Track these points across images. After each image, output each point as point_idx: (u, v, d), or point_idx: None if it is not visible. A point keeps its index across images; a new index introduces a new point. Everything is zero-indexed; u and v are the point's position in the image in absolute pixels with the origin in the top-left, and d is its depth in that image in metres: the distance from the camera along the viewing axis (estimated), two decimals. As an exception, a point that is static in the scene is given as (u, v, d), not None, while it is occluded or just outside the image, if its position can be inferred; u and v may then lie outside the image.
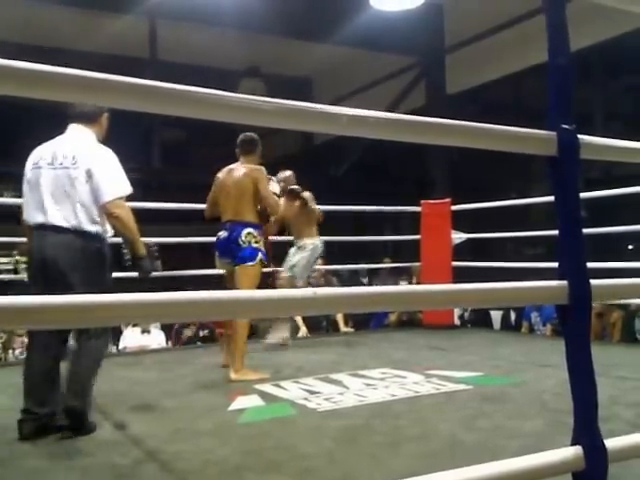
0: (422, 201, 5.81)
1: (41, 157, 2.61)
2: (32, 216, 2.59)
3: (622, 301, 5.05)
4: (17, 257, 10.56)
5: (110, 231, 2.67)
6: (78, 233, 2.53)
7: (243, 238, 3.72)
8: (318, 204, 5.95)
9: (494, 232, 6.18)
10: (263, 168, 3.93)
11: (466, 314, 7.23)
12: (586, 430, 1.25)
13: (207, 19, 8.08)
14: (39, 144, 2.69)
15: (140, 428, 2.62)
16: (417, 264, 6.11)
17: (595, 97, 7.32)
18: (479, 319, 7.02)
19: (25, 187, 2.65)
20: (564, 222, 1.35)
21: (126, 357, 4.97)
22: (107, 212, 2.57)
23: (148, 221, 9.17)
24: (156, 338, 5.93)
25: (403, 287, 1.66)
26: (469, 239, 6.03)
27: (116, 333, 5.97)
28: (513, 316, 6.99)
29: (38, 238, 2.56)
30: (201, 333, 6.55)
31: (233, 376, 3.60)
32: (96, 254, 2.58)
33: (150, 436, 2.50)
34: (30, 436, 2.43)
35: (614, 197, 5.09)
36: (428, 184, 8.45)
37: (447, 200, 5.80)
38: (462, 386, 3.27)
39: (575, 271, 1.31)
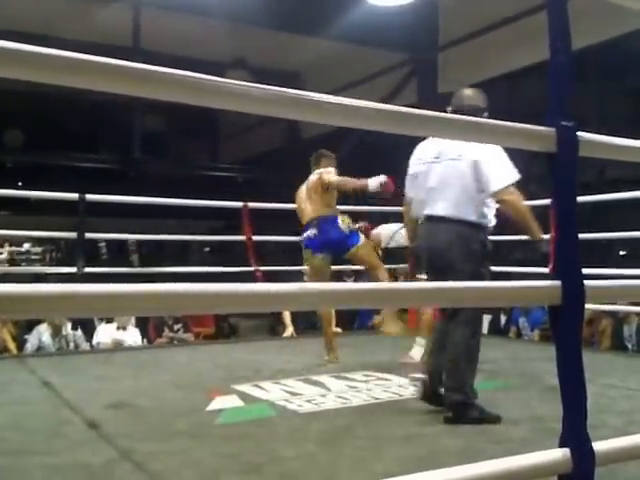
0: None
1: (426, 153, 2.82)
2: (418, 209, 2.83)
3: (611, 308, 5.10)
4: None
5: (493, 221, 2.80)
6: (464, 223, 2.68)
7: (341, 225, 4.09)
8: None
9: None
10: (332, 168, 4.21)
11: None
12: (574, 432, 1.25)
13: (193, 8, 8.03)
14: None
15: (114, 427, 2.59)
16: (404, 265, 6.11)
17: (590, 98, 7.39)
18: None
19: (409, 182, 2.90)
20: (561, 220, 1.36)
21: (100, 354, 4.93)
22: (498, 200, 2.70)
23: (122, 215, 9.07)
24: (131, 335, 5.87)
25: (394, 284, 1.66)
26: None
27: (89, 329, 5.92)
28: (503, 320, 7.03)
29: (426, 229, 2.78)
30: (176, 327, 6.48)
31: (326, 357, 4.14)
32: (479, 244, 2.73)
33: (124, 435, 2.47)
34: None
35: (606, 202, 5.14)
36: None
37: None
38: (447, 390, 3.27)
39: (569, 271, 1.32)
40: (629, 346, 5.70)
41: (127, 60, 1.02)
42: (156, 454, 2.25)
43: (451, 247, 2.67)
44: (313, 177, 4.23)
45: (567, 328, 1.29)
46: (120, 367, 4.08)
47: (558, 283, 1.29)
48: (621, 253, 9.38)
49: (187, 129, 12.57)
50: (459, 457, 2.17)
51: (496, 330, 6.92)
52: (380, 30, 8.15)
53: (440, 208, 2.72)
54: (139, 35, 9.05)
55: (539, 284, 1.34)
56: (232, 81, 1.09)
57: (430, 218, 2.77)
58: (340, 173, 4.23)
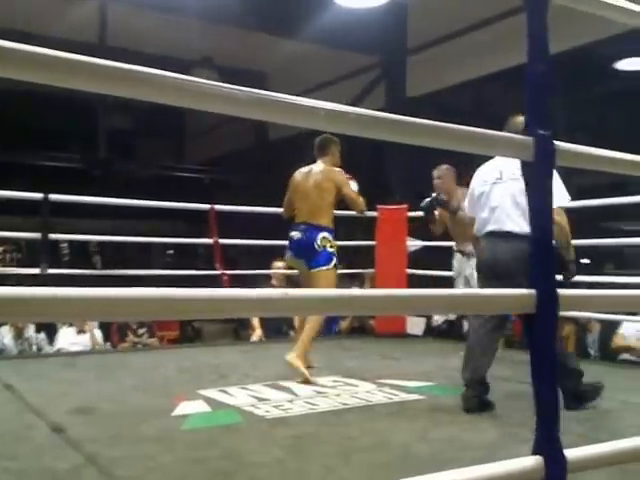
0: (378, 206, 5.85)
1: (488, 174, 3.12)
2: (480, 226, 3.12)
3: (573, 314, 5.20)
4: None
5: None
6: (526, 238, 2.78)
7: (319, 242, 3.85)
8: (271, 205, 5.92)
9: (451, 241, 6.27)
10: (341, 169, 4.04)
11: (438, 320, 7.21)
12: (547, 440, 1.28)
13: (161, 5, 7.96)
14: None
15: (78, 431, 2.56)
16: (371, 270, 6.15)
17: (560, 106, 7.54)
18: (451, 329, 7.03)
19: (471, 202, 3.21)
20: (535, 228, 1.38)
21: (62, 357, 4.84)
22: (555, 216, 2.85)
23: (86, 215, 8.91)
24: (98, 340, 5.79)
25: (373, 290, 1.67)
26: (425, 247, 6.10)
27: (52, 332, 5.82)
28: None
29: (490, 243, 3.05)
30: (140, 331, 6.41)
31: (289, 357, 3.66)
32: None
33: (89, 440, 2.44)
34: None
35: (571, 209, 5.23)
36: (385, 189, 8.52)
37: (404, 206, 5.86)
38: (415, 396, 3.31)
39: (543, 279, 1.34)
40: (591, 352, 5.82)
41: (93, 57, 1.01)
42: (122, 459, 2.24)
43: (516, 260, 2.87)
44: (326, 180, 3.94)
45: (541, 336, 1.31)
46: (84, 371, 4.01)
47: (533, 291, 1.32)
48: (584, 262, 9.57)
49: (154, 128, 12.43)
50: (428, 464, 2.19)
51: (461, 336, 6.96)
52: (349, 32, 8.19)
53: (505, 224, 3.01)
54: (106, 31, 8.93)
55: (514, 292, 1.37)
56: (200, 80, 1.09)
57: (494, 234, 3.05)
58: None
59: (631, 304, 1.84)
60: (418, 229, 6.00)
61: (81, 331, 5.72)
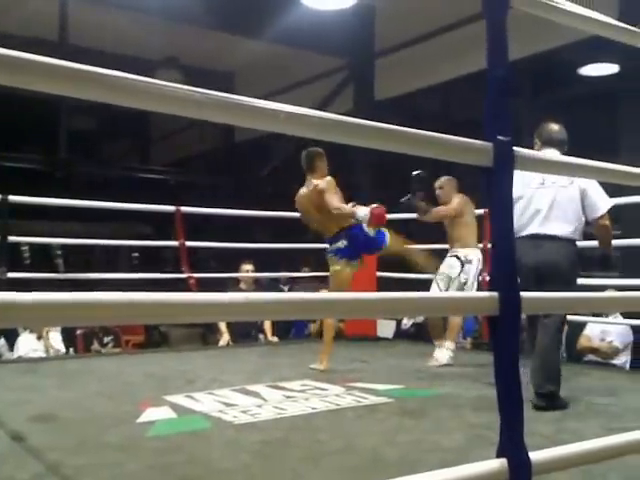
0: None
1: (532, 179, 3.22)
2: (520, 228, 3.18)
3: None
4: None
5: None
6: (568, 241, 3.18)
7: (367, 230, 4.24)
8: (238, 206, 5.93)
9: (420, 243, 6.33)
10: (329, 179, 4.21)
11: (407, 323, 7.26)
12: (512, 443, 1.30)
13: (124, 3, 7.89)
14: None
15: (40, 440, 2.52)
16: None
17: (523, 111, 7.66)
18: (419, 332, 7.09)
19: (518, 203, 3.21)
20: (497, 232, 1.41)
21: (23, 364, 4.76)
22: (599, 223, 3.23)
23: (47, 218, 8.77)
24: (54, 344, 5.69)
25: (341, 294, 1.69)
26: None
27: (12, 337, 5.71)
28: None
29: (530, 247, 3.14)
30: (105, 340, 6.35)
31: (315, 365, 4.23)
32: (576, 258, 3.25)
33: (51, 448, 2.41)
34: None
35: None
36: (353, 190, 8.56)
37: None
38: (383, 399, 3.34)
39: (506, 282, 1.37)
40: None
41: (53, 55, 1.00)
42: (86, 468, 2.21)
43: (564, 262, 3.15)
44: (315, 189, 4.20)
45: (505, 338, 1.34)
46: (46, 377, 3.95)
47: (495, 294, 1.35)
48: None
49: (117, 129, 12.30)
50: (397, 467, 2.22)
51: (429, 338, 7.03)
52: (317, 34, 8.22)
53: (552, 228, 3.17)
54: (66, 28, 8.81)
55: (478, 295, 1.40)
56: (159, 82, 1.08)
57: (537, 237, 3.18)
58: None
59: (594, 306, 1.89)
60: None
61: (41, 337, 5.63)
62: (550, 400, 3.07)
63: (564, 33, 6.01)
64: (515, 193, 3.25)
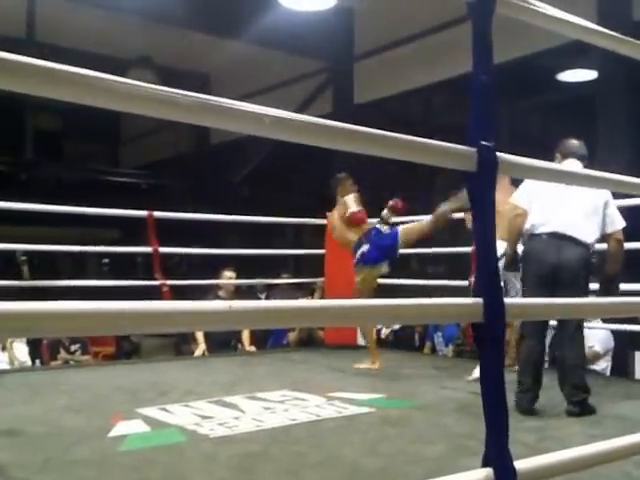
0: (327, 213, 5.89)
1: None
2: (542, 223, 3.33)
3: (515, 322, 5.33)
4: None
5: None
6: (588, 247, 3.30)
7: (384, 230, 4.65)
8: (214, 211, 5.90)
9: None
10: (351, 196, 4.78)
11: (385, 332, 7.29)
12: (497, 452, 1.32)
13: (95, 0, 7.86)
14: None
15: (4, 456, 2.49)
16: (321, 279, 6.18)
17: (503, 115, 7.75)
18: (402, 341, 7.13)
19: (528, 195, 3.37)
20: (480, 238, 1.43)
21: (-14, 376, 4.68)
22: (615, 237, 3.37)
23: (11, 222, 8.65)
24: (18, 356, 5.62)
25: (322, 301, 1.69)
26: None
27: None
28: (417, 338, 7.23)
29: (553, 244, 3.29)
30: (73, 348, 6.27)
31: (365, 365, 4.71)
32: (592, 266, 3.39)
33: (17, 466, 2.39)
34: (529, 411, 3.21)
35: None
36: (333, 196, 8.59)
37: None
38: (364, 409, 3.35)
39: (490, 288, 1.39)
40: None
41: (20, 53, 0.98)
42: (54, 486, 2.19)
43: (581, 266, 3.28)
44: (341, 209, 4.82)
45: (489, 344, 1.35)
46: (10, 390, 3.89)
47: (480, 300, 1.36)
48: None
49: (85, 130, 12.18)
50: (379, 478, 2.23)
51: (410, 346, 7.09)
52: (295, 36, 8.24)
53: (575, 231, 3.27)
54: (34, 25, 8.73)
55: (462, 301, 1.41)
56: (135, 82, 1.07)
57: (558, 236, 3.29)
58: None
59: (577, 312, 1.92)
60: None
61: (5, 348, 5.55)
62: (583, 407, 3.24)
63: (542, 39, 6.10)
64: (543, 186, 3.31)
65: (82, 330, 1.19)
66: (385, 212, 4.70)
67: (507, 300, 1.42)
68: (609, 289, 3.37)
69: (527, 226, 3.40)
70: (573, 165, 3.34)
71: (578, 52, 6.15)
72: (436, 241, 5.43)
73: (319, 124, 1.28)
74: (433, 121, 9.39)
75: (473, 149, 1.41)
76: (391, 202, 4.71)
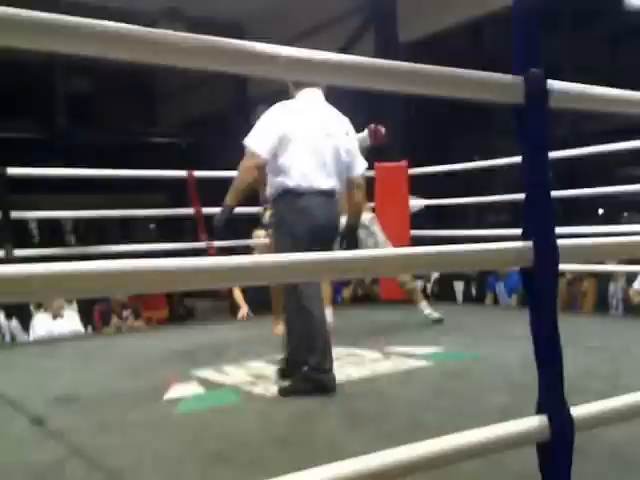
0: (376, 164, 5.86)
1: (311, 121, 3.03)
2: (310, 178, 2.99)
3: (593, 268, 5.27)
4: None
5: None
6: (338, 200, 3.14)
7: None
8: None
9: (455, 197, 6.31)
10: None
11: (429, 286, 7.38)
12: (551, 398, 1.32)
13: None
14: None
15: (61, 422, 2.61)
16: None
17: (563, 47, 7.47)
18: (443, 293, 7.19)
19: (276, 145, 2.97)
20: (531, 176, 1.39)
21: (38, 346, 4.90)
22: (355, 182, 3.20)
23: (54, 190, 8.82)
24: (70, 324, 5.83)
25: (371, 251, 1.68)
26: (427, 206, 6.14)
27: (26, 318, 5.86)
28: (474, 289, 7.23)
29: (322, 203, 3.01)
30: (124, 313, 6.45)
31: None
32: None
33: (72, 430, 2.49)
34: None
35: (582, 157, 5.27)
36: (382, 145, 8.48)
37: (403, 163, 5.86)
38: (422, 363, 3.39)
39: (541, 230, 1.36)
40: (613, 302, 5.89)
41: (46, 11, 0.99)
42: (110, 449, 2.28)
43: (337, 221, 3.14)
44: None
45: (541, 290, 1.34)
46: (64, 358, 4.06)
47: (529, 244, 1.34)
48: (600, 212, 9.62)
49: (118, 90, 12.24)
50: (438, 432, 2.25)
51: (469, 298, 7.11)
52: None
53: (334, 184, 3.06)
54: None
55: (509, 246, 1.39)
56: (168, 32, 1.08)
57: (326, 193, 3.03)
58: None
59: (635, 251, 1.86)
60: (420, 187, 6.03)
61: (57, 316, 5.76)
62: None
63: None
64: (282, 128, 3.00)
65: (126, 288, 1.25)
66: (364, 134, 4.50)
67: (562, 242, 1.39)
68: (351, 241, 3.27)
69: (281, 181, 3.01)
70: (313, 94, 3.11)
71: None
72: (496, 188, 5.36)
73: (359, 63, 1.26)
74: (485, 57, 9.13)
75: (519, 78, 1.35)
76: (372, 126, 4.54)
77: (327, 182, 3.02)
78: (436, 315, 4.67)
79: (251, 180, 3.06)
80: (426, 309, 4.72)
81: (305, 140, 2.98)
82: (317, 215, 2.98)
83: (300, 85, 3.13)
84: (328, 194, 3.03)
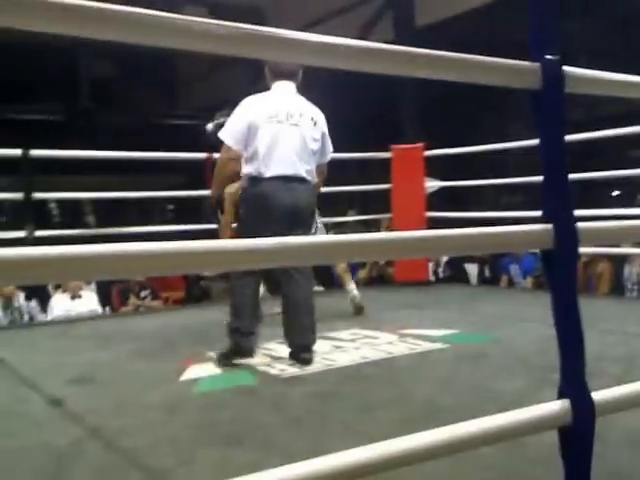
0: (392, 146, 5.81)
1: (277, 112, 3.12)
2: (270, 167, 3.07)
3: (609, 250, 5.20)
4: None
5: None
6: (312, 185, 3.22)
7: None
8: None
9: (471, 179, 6.25)
10: None
11: (440, 270, 7.36)
12: (573, 383, 1.29)
13: None
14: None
15: (78, 403, 2.60)
16: (387, 216, 6.15)
17: (573, 32, 7.32)
18: (455, 275, 7.16)
19: (246, 136, 3.09)
20: (548, 160, 1.38)
21: (56, 326, 4.90)
22: (319, 169, 3.29)
23: (74, 171, 8.84)
24: (88, 304, 5.84)
25: (392, 233, 1.67)
26: (443, 187, 6.08)
27: (44, 299, 5.89)
28: (487, 271, 7.19)
29: (285, 188, 3.07)
30: (143, 294, 6.47)
31: None
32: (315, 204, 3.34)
33: (90, 411, 2.49)
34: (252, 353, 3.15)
35: (597, 140, 5.18)
36: (398, 127, 8.44)
37: (420, 145, 5.81)
38: (438, 345, 3.35)
39: (561, 213, 1.34)
40: (628, 285, 5.82)
41: None
42: (127, 430, 2.27)
43: (313, 206, 3.27)
44: None
45: (561, 273, 1.32)
46: (81, 339, 4.06)
47: (549, 226, 1.32)
48: (614, 194, 9.53)
49: (141, 73, 12.27)
50: (453, 416, 2.22)
51: (484, 281, 7.06)
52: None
53: (302, 170, 3.12)
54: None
55: (529, 228, 1.37)
56: (190, 17, 1.08)
57: (290, 178, 3.10)
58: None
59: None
60: (436, 169, 5.97)
61: (75, 297, 5.77)
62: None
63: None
64: (257, 123, 3.09)
65: (142, 270, 1.23)
66: None
67: (581, 224, 1.36)
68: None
69: (248, 169, 3.12)
70: (286, 86, 3.21)
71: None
72: (512, 169, 5.30)
73: (376, 48, 1.25)
74: (503, 42, 9.01)
75: (536, 64, 1.36)
76: None
77: (291, 168, 3.09)
78: (359, 300, 4.47)
79: (228, 173, 3.32)
80: (353, 291, 4.54)
81: (269, 129, 3.08)
82: (279, 199, 3.05)
83: (276, 77, 3.23)
84: (294, 179, 3.10)
